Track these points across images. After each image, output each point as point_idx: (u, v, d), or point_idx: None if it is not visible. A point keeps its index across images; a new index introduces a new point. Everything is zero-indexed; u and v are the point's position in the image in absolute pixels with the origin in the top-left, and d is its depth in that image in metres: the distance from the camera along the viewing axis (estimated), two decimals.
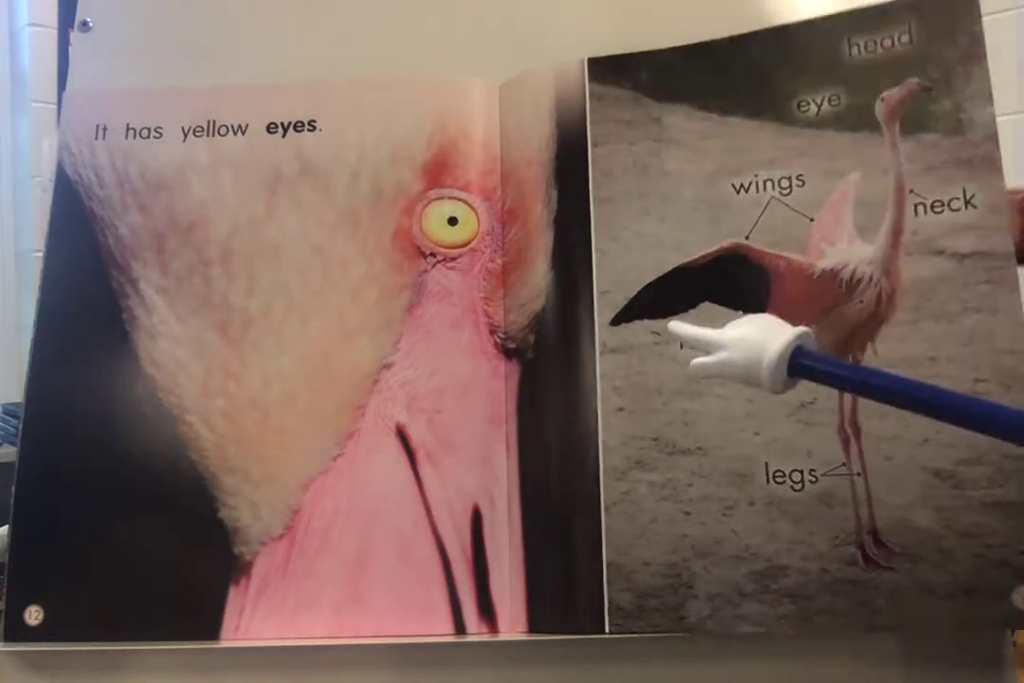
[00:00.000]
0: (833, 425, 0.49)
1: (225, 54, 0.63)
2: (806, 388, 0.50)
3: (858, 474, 0.48)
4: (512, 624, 0.51)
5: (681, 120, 0.56)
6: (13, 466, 0.54)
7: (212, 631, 0.52)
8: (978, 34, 0.50)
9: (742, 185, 0.53)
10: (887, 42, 0.52)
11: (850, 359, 0.50)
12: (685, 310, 0.52)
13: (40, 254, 0.58)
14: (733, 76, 0.55)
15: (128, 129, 0.60)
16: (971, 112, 0.50)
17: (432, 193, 0.58)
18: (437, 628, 0.51)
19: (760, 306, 0.51)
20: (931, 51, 0.51)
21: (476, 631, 0.51)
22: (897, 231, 0.50)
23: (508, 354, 0.55)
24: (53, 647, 0.52)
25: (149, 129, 0.60)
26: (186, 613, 0.52)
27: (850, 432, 0.49)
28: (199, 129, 0.59)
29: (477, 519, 0.53)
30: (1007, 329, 0.47)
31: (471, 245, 0.57)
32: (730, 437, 0.50)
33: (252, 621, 0.52)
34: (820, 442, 0.49)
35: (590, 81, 0.57)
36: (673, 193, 0.54)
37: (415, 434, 0.54)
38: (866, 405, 0.49)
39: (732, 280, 0.52)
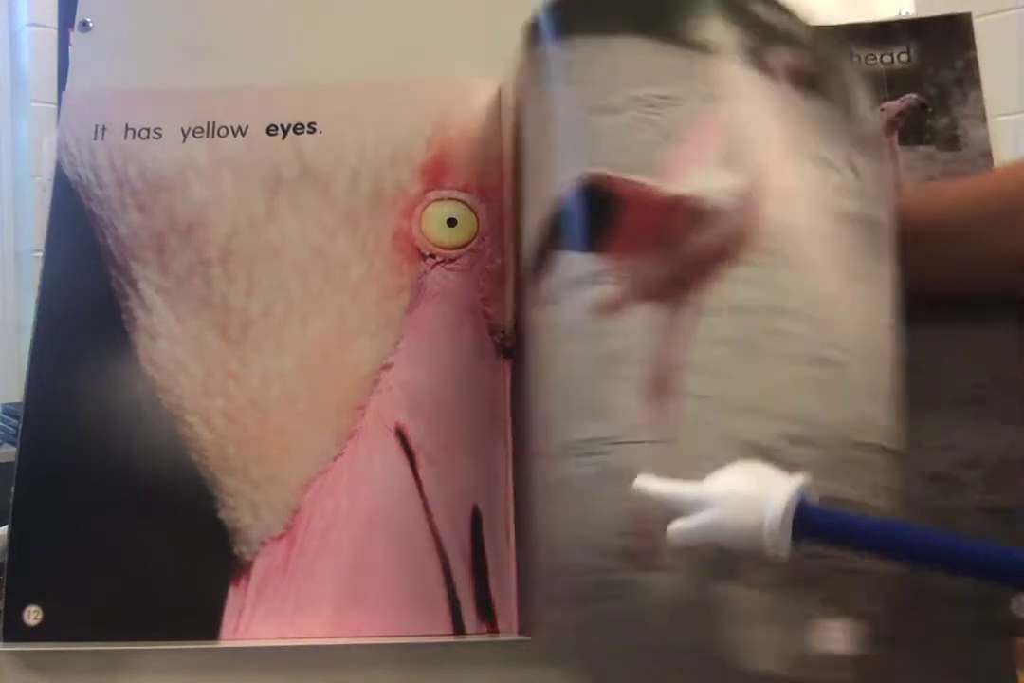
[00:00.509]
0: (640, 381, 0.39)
1: (225, 55, 0.63)
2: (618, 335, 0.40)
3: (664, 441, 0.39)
4: (511, 624, 0.51)
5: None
6: (13, 466, 0.54)
7: (212, 631, 0.52)
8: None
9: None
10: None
11: (684, 302, 0.39)
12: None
13: (40, 254, 0.58)
14: None
15: (127, 129, 0.60)
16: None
17: (432, 194, 0.58)
18: (436, 628, 0.51)
19: (606, 239, 0.42)
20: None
21: (475, 631, 0.51)
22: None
23: (508, 354, 0.56)
24: (53, 647, 0.52)
25: (148, 130, 0.60)
26: (186, 613, 0.52)
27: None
28: (199, 130, 0.60)
29: (477, 519, 0.53)
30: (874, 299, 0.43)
31: (470, 246, 0.57)
32: None
33: (252, 621, 0.52)
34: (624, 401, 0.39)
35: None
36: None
37: (415, 434, 0.55)
38: (692, 356, 0.39)
39: (584, 217, 0.42)
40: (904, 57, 0.53)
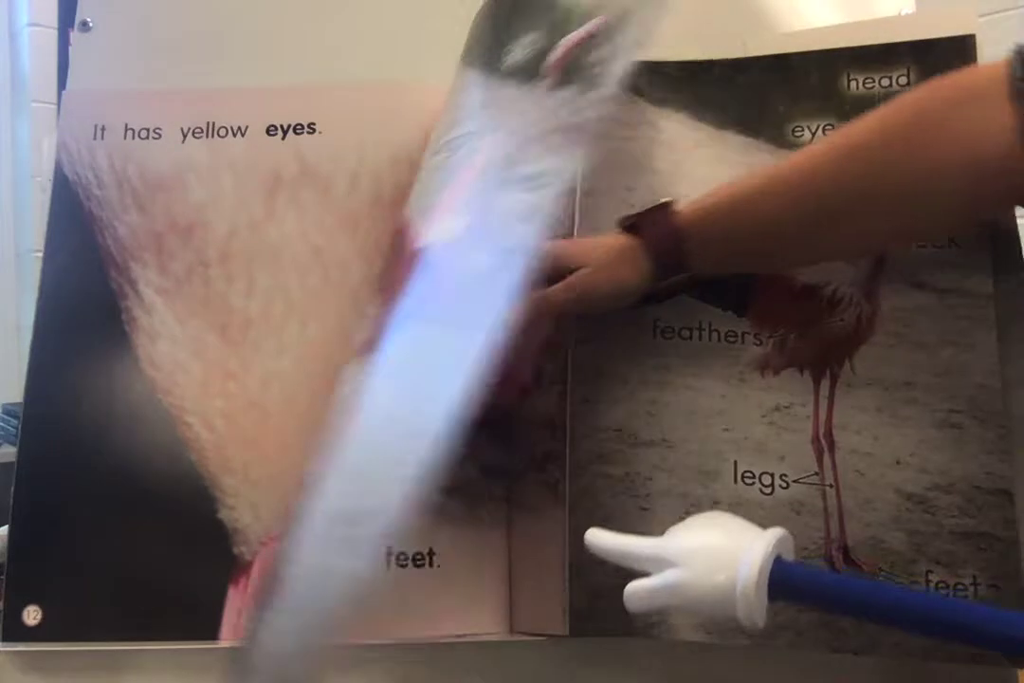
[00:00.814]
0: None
1: (225, 55, 0.63)
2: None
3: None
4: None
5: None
6: (13, 466, 0.54)
7: (212, 631, 0.52)
8: None
9: None
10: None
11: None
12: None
13: (40, 254, 0.58)
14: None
15: (127, 130, 0.60)
16: None
17: None
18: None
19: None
20: None
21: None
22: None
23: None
24: (53, 647, 0.52)
25: (148, 130, 0.60)
26: (186, 613, 0.52)
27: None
28: (198, 130, 0.60)
29: None
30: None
31: None
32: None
33: None
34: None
35: None
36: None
37: None
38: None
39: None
40: (903, 80, 0.53)
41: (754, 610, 0.31)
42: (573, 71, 0.46)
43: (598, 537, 0.36)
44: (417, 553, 0.52)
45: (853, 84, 0.54)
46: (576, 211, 0.55)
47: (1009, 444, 0.48)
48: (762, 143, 0.55)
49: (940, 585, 0.47)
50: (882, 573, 0.47)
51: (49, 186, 0.59)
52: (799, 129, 0.54)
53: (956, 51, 0.52)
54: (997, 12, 1.07)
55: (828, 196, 0.45)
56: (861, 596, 0.33)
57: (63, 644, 0.52)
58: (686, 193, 0.53)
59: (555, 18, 0.49)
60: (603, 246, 0.49)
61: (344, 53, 0.62)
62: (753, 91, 0.56)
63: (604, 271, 0.48)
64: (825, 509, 0.48)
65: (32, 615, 0.52)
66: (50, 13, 1.32)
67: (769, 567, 0.32)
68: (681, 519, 0.37)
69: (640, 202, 0.54)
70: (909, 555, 0.47)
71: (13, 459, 0.54)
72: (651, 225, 0.48)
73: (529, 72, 0.48)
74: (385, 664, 0.52)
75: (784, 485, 0.48)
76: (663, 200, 0.49)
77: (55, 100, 1.30)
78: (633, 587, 0.34)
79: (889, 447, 0.48)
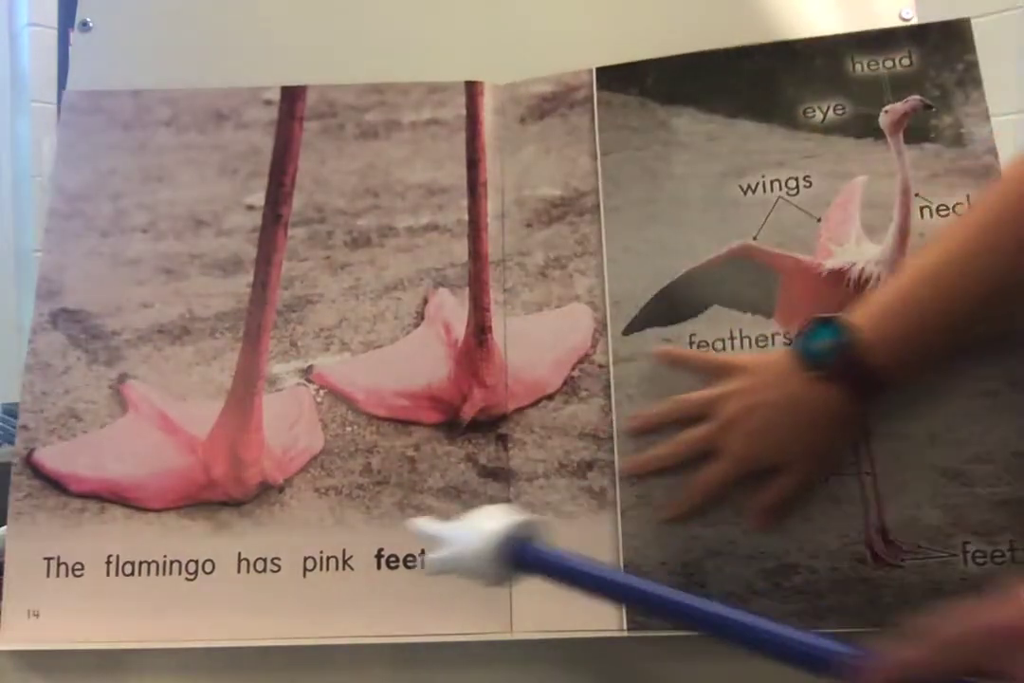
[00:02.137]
0: None
1: (225, 55, 0.63)
2: None
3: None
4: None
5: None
6: (13, 466, 0.54)
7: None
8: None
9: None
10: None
11: None
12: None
13: (40, 254, 0.59)
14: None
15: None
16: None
17: None
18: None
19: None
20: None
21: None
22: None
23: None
24: (53, 647, 0.52)
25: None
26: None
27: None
28: None
29: None
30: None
31: None
32: None
33: None
34: None
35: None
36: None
37: None
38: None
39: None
40: (906, 61, 0.55)
41: (492, 573, 0.41)
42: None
43: (418, 523, 0.44)
44: (408, 555, 0.52)
45: (858, 66, 0.55)
46: (602, 228, 0.56)
47: None
48: (776, 127, 0.55)
49: (977, 554, 0.47)
50: (921, 550, 0.47)
51: (49, 186, 0.59)
52: (810, 110, 0.55)
53: (953, 34, 0.55)
54: (997, 12, 1.07)
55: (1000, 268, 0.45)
56: (590, 577, 0.42)
57: (63, 644, 0.52)
58: (700, 197, 0.55)
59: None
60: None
61: (344, 53, 0.63)
62: (760, 76, 0.57)
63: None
64: (863, 497, 0.49)
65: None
66: (50, 13, 1.32)
67: (501, 542, 0.40)
68: (731, 523, 0.48)
69: (664, 213, 0.55)
70: (946, 530, 0.48)
71: (13, 459, 0.54)
72: (844, 371, 0.46)
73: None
74: (385, 664, 0.52)
75: (823, 479, 0.49)
76: (828, 321, 0.48)
77: (55, 100, 1.30)
78: (428, 558, 0.42)
79: (924, 426, 0.49)
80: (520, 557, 0.41)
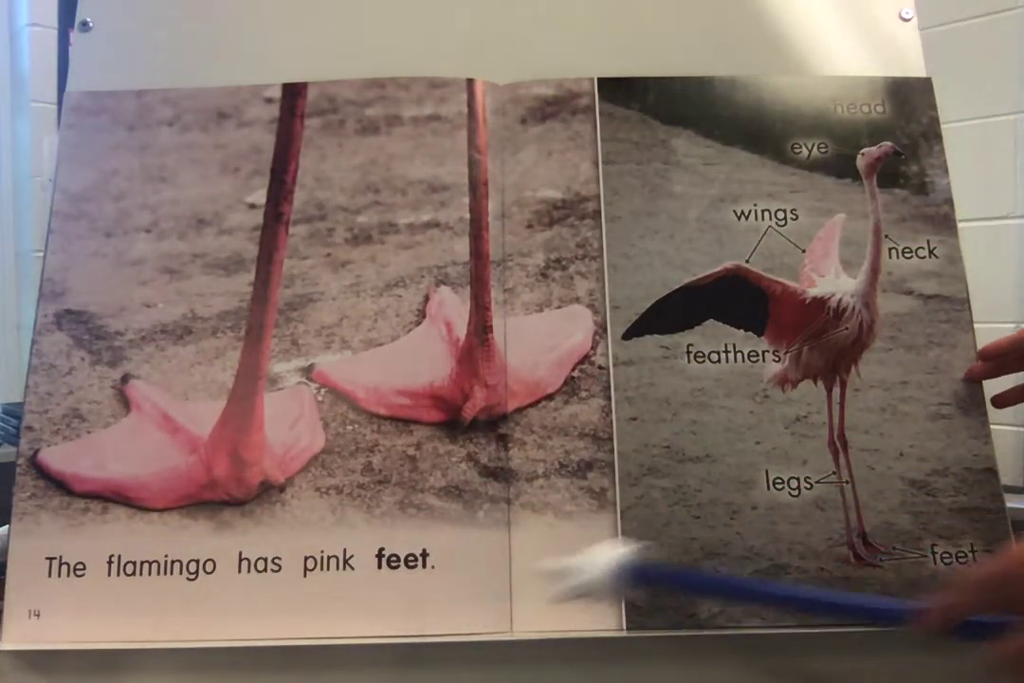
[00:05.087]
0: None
1: (225, 55, 0.62)
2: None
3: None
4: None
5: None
6: (13, 466, 0.54)
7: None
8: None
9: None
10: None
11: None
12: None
13: (40, 254, 0.58)
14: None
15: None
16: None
17: None
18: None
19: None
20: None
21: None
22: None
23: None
24: (53, 647, 0.52)
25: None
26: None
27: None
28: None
29: None
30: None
31: None
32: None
33: None
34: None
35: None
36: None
37: None
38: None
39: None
40: (880, 109, 0.60)
41: (605, 594, 0.48)
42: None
43: (551, 562, 0.48)
44: (409, 554, 0.52)
45: (840, 109, 0.60)
46: (603, 236, 0.57)
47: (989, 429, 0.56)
48: (766, 159, 0.59)
49: (944, 555, 0.53)
50: (896, 551, 0.53)
51: (49, 186, 0.59)
52: (797, 146, 0.59)
53: (918, 90, 0.61)
54: (997, 12, 1.08)
55: None
56: (702, 581, 0.50)
57: (63, 644, 0.52)
58: (697, 217, 0.58)
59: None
60: None
61: (345, 52, 0.63)
62: (752, 108, 0.60)
63: None
64: (844, 503, 0.54)
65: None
66: (50, 13, 1.32)
67: (613, 568, 0.46)
68: (726, 526, 0.53)
69: (663, 228, 0.58)
70: (916, 533, 0.54)
71: (13, 459, 0.54)
72: None
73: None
74: (385, 664, 0.52)
75: (808, 486, 0.54)
76: None
77: (55, 100, 1.30)
78: (561, 589, 0.47)
79: (893, 442, 0.55)
80: (640, 575, 0.48)
